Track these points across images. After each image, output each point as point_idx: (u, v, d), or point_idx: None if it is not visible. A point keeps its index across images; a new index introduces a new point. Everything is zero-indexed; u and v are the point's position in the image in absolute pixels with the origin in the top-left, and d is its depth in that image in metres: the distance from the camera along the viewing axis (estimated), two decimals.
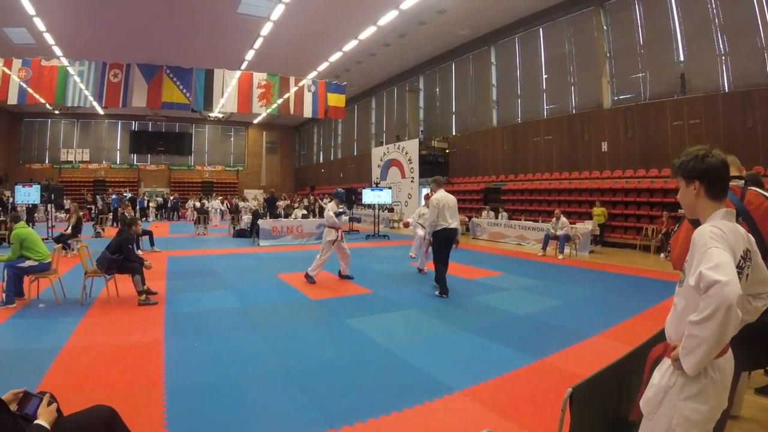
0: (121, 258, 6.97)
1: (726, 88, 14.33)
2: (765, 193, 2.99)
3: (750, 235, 1.88)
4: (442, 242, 7.76)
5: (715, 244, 1.66)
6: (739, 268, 1.71)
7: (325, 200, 27.52)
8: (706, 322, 1.55)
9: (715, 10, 14.44)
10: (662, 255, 13.09)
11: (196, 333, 5.49)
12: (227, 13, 18.64)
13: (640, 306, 7.18)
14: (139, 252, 11.95)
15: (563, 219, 13.37)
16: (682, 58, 15.48)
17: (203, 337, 5.33)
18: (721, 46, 14.43)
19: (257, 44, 21.63)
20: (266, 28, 19.46)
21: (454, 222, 7.70)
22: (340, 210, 9.38)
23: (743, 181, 3.12)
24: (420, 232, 10.62)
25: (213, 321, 6.08)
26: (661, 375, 1.86)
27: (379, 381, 4.18)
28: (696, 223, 1.97)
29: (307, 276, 9.05)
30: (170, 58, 18.27)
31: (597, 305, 7.46)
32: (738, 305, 1.52)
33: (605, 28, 17.80)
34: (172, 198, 31.87)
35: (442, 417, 3.51)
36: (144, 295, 6.90)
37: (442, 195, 7.80)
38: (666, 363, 1.85)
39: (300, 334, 5.59)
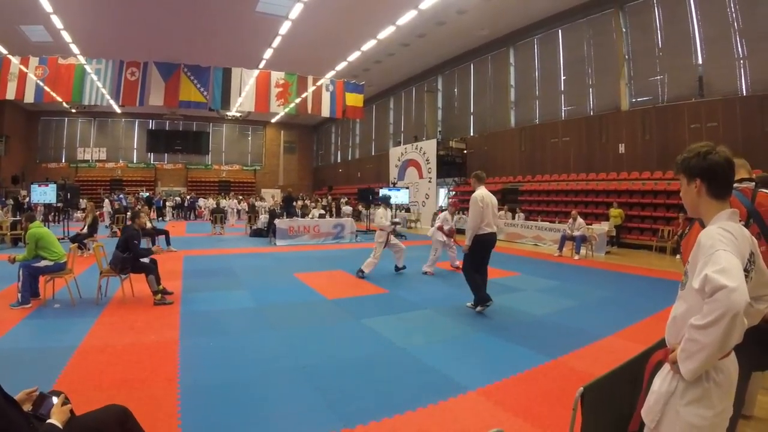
0: (131, 256, 6.97)
1: (744, 92, 14.32)
2: None
3: (753, 238, 1.82)
4: (483, 248, 6.87)
5: (724, 246, 1.59)
6: (746, 272, 1.64)
7: (342, 200, 27.78)
8: (710, 328, 1.49)
9: (734, 14, 14.43)
10: (678, 256, 13.00)
11: (211, 332, 5.52)
12: (246, 11, 18.78)
13: (655, 307, 7.17)
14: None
15: (580, 220, 13.41)
16: (700, 62, 15.46)
17: (218, 337, 5.36)
18: (739, 49, 14.43)
19: (275, 43, 21.78)
20: (284, 27, 19.64)
21: (492, 227, 6.86)
22: (396, 221, 10.12)
23: (754, 183, 3.14)
24: (440, 238, 10.48)
25: (228, 320, 6.10)
26: (661, 381, 1.80)
27: (394, 381, 4.22)
28: (704, 224, 1.91)
29: (360, 271, 9.48)
30: (188, 57, 18.56)
31: (612, 306, 7.51)
32: (744, 313, 1.46)
33: (624, 30, 17.79)
34: (188, 197, 32.03)
35: (456, 416, 3.56)
36: (159, 295, 6.89)
37: (485, 192, 6.86)
38: (666, 368, 1.80)
39: (315, 333, 5.62)
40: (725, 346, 1.51)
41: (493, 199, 6.98)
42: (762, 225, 2.89)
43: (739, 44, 14.43)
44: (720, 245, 1.60)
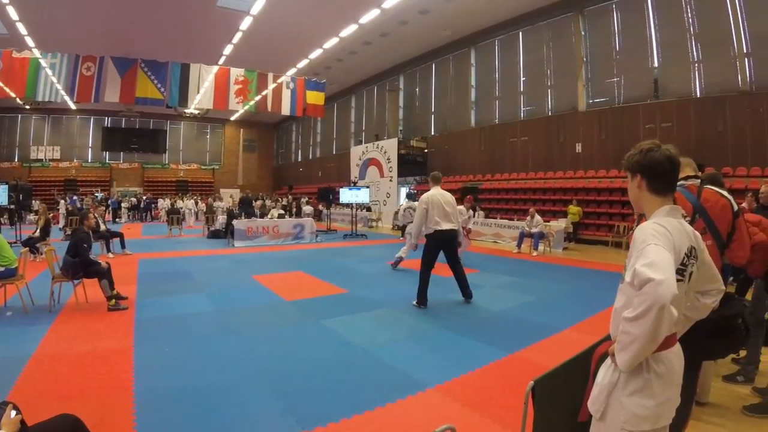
0: (81, 260, 6.69)
1: (698, 94, 14.92)
2: (721, 191, 3.14)
3: (696, 233, 1.86)
4: (436, 245, 7.08)
5: (655, 241, 1.63)
6: (683, 266, 1.71)
7: (303, 199, 27.52)
8: (640, 320, 1.52)
9: (691, 20, 15.05)
10: None
11: (167, 338, 5.36)
12: (207, 5, 18.35)
13: (611, 299, 7.18)
14: (110, 255, 11.73)
15: (538, 217, 13.64)
16: (656, 65, 16.09)
17: (175, 342, 5.21)
18: (695, 53, 15.05)
19: (236, 39, 21.30)
20: (246, 22, 19.21)
21: (444, 224, 6.97)
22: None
23: (699, 180, 3.25)
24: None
25: (185, 325, 5.94)
26: (605, 372, 1.83)
27: (354, 381, 4.19)
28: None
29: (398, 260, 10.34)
30: (146, 52, 17.97)
31: (570, 300, 7.63)
32: (673, 304, 1.49)
33: (583, 33, 18.27)
34: (145, 198, 30.87)
35: (414, 413, 3.56)
36: (113, 300, 6.65)
37: (435, 193, 7.11)
38: (609, 360, 1.83)
39: (274, 336, 5.53)
40: (656, 337, 1.53)
41: (446, 197, 7.13)
42: (708, 220, 3.00)
43: (694, 48, 15.07)
44: (651, 239, 1.64)
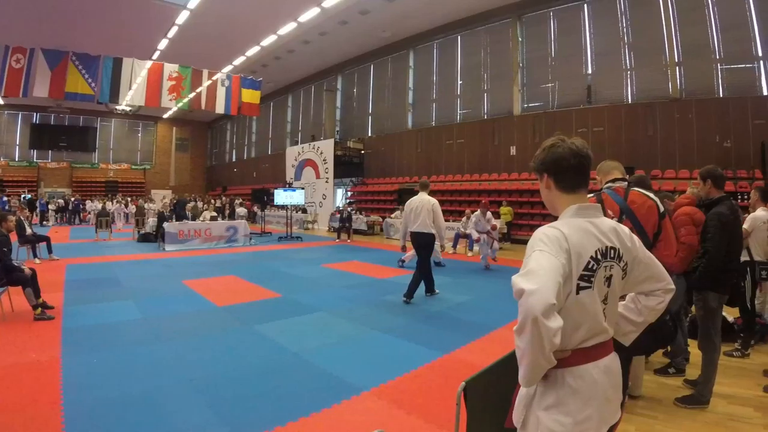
0: (1, 266, 6.27)
1: (629, 100, 15.74)
2: (647, 193, 3.24)
3: (623, 231, 1.70)
4: (417, 246, 7.57)
5: (540, 247, 1.50)
6: (589, 271, 1.55)
7: (236, 201, 26.79)
8: (521, 334, 1.39)
9: (625, 29, 15.86)
10: None
11: (96, 347, 5.07)
12: None
13: None
14: (36, 260, 11.08)
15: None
16: (590, 71, 16.77)
17: (104, 352, 4.95)
18: (627, 61, 15.87)
19: (171, 33, 20.74)
20: (182, 17, 18.75)
21: (414, 226, 7.42)
22: None
23: (626, 183, 3.34)
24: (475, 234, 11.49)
25: (114, 334, 5.63)
26: None
27: (288, 387, 4.07)
28: None
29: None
30: (78, 44, 16.97)
31: (504, 299, 7.66)
32: (545, 316, 1.33)
33: (521, 39, 18.76)
34: (73, 199, 28.93)
35: (349, 417, 3.51)
36: (39, 309, 6.25)
37: (418, 198, 7.56)
38: None
39: (206, 343, 5.31)
40: (542, 351, 1.37)
41: (423, 202, 7.41)
42: (634, 221, 3.08)
43: (627, 57, 15.89)
44: (538, 245, 1.51)
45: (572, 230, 1.56)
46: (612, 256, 1.62)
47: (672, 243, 3.42)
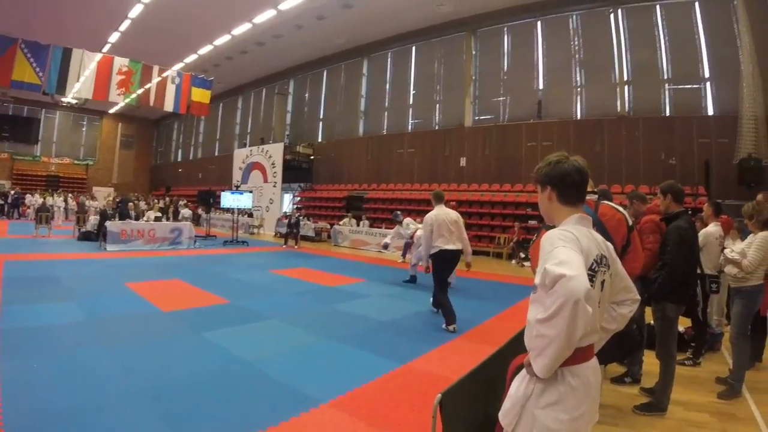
0: None
1: (579, 116, 16.33)
2: (616, 206, 3.32)
3: (608, 243, 1.86)
4: (437, 266, 6.54)
5: (562, 244, 1.61)
6: (592, 272, 1.66)
7: (181, 202, 25.95)
8: (553, 319, 1.47)
9: (576, 47, 16.48)
10: (513, 261, 14.43)
11: (36, 351, 4.72)
12: None
13: (496, 308, 7.57)
14: None
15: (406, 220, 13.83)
16: (541, 87, 17.28)
17: (45, 356, 4.61)
18: (578, 78, 16.47)
19: (124, 26, 20.05)
20: (136, 10, 18.14)
21: (450, 244, 6.45)
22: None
23: (597, 195, 3.39)
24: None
25: (55, 337, 5.25)
26: (518, 384, 1.77)
27: (242, 399, 3.88)
28: None
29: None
30: (28, 31, 15.94)
31: (457, 308, 7.65)
32: (590, 303, 1.45)
33: (474, 52, 19.13)
34: (13, 193, 27.68)
35: (309, 431, 3.37)
36: None
37: (439, 212, 6.56)
38: (524, 372, 1.77)
39: (153, 350, 5.01)
40: (573, 336, 1.48)
41: (450, 216, 6.55)
42: (604, 233, 3.10)
43: (578, 74, 16.48)
44: (559, 243, 1.62)
45: (580, 235, 1.70)
46: (605, 264, 1.77)
47: (639, 255, 3.53)
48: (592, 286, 1.58)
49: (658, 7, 15.01)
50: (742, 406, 4.11)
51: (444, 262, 6.51)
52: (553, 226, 1.83)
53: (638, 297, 1.96)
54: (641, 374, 4.57)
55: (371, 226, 18.62)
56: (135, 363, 4.56)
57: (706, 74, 14.20)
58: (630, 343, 3.00)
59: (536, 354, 1.58)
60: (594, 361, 1.76)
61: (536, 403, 1.66)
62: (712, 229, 5.50)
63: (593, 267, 1.68)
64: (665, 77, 14.85)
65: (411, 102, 21.61)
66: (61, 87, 14.72)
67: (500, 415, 1.81)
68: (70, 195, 27.44)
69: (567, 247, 1.59)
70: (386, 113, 22.75)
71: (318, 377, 4.42)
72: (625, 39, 15.44)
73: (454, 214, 6.62)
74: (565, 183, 1.81)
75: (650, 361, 4.35)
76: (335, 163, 24.31)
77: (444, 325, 6.37)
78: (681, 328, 5.57)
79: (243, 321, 6.40)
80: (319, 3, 17.67)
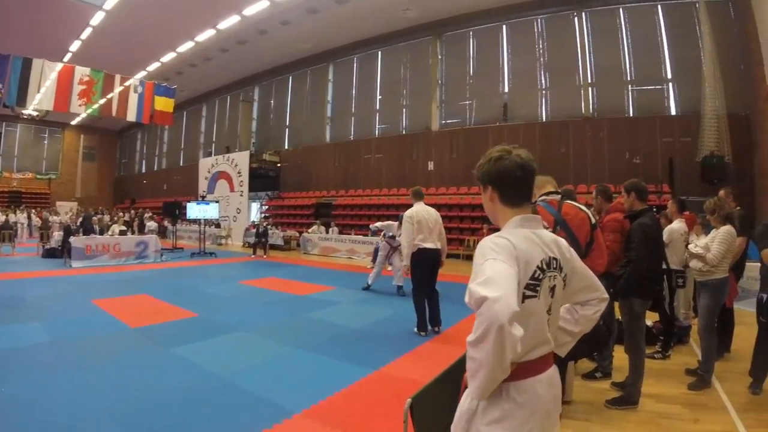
0: None
1: (544, 119, 16.65)
2: (579, 205, 3.36)
3: (562, 242, 1.72)
4: (418, 266, 6.33)
5: (493, 255, 1.46)
6: (535, 280, 1.55)
7: (146, 214, 25.36)
8: (480, 344, 1.34)
9: (541, 50, 16.87)
10: None
11: (3, 376, 4.53)
12: None
13: (467, 310, 7.50)
14: None
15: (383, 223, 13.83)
16: (507, 90, 17.59)
17: (10, 380, 4.42)
18: (543, 81, 16.82)
19: (85, 35, 19.63)
20: (97, 18, 17.81)
21: (429, 242, 6.33)
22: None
23: (560, 195, 3.42)
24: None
25: (21, 360, 5.06)
26: (464, 398, 1.65)
27: (215, 413, 3.78)
28: None
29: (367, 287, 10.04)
30: None
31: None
32: (512, 323, 1.30)
33: (440, 57, 19.33)
34: None
35: None
36: None
37: (419, 209, 6.44)
38: None
39: (121, 368, 4.86)
40: (502, 362, 1.34)
41: (431, 213, 6.45)
42: (568, 231, 3.18)
43: (543, 77, 16.82)
44: (489, 254, 1.47)
45: (519, 239, 1.56)
46: (554, 266, 1.64)
47: (603, 252, 3.58)
48: (535, 296, 1.54)
49: (621, 10, 15.44)
50: (712, 396, 4.20)
51: (423, 261, 6.33)
52: (498, 229, 1.71)
53: (605, 296, 1.82)
54: (612, 369, 4.61)
55: (340, 232, 18.52)
56: (104, 382, 4.41)
57: (669, 75, 14.64)
58: (597, 339, 3.01)
59: (470, 376, 1.46)
60: (548, 373, 1.63)
61: (481, 419, 1.56)
62: (677, 225, 5.63)
63: (536, 275, 1.55)
64: (629, 79, 15.25)
65: (378, 107, 21.66)
66: (22, 98, 14.21)
67: (452, 427, 1.72)
68: (33, 211, 26.62)
69: (497, 260, 1.45)
70: (353, 119, 22.75)
71: (291, 387, 4.36)
72: (589, 42, 15.83)
73: (434, 212, 6.54)
74: (508, 181, 1.66)
75: (620, 356, 4.38)
76: (303, 170, 24.15)
77: (415, 329, 6.36)
78: (649, 323, 5.68)
79: (213, 334, 6.27)
80: (283, 8, 17.57)
